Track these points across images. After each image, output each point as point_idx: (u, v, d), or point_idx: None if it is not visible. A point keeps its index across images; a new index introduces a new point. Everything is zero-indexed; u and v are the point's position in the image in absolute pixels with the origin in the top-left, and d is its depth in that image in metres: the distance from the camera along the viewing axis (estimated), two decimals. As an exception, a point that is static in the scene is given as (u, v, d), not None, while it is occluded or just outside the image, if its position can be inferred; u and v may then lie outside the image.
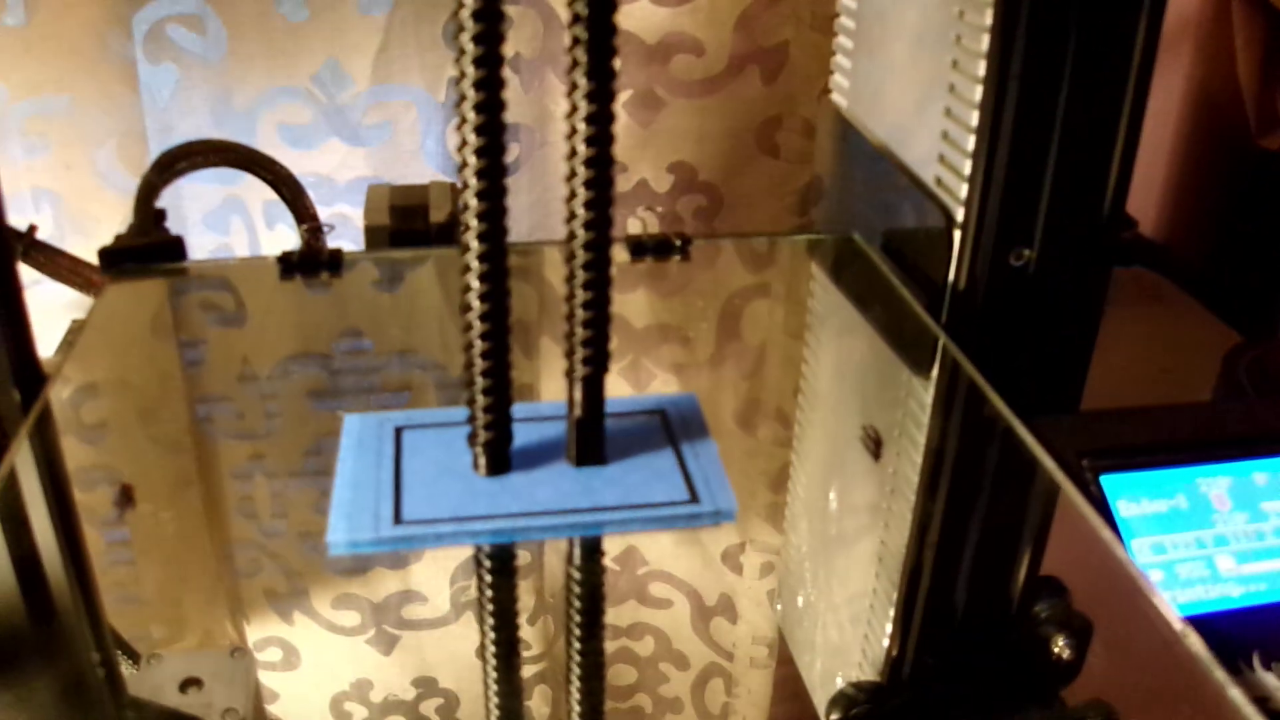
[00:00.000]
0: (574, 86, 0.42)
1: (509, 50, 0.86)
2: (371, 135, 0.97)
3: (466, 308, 0.44)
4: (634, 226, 1.03)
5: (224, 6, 0.92)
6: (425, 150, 0.98)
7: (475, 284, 0.43)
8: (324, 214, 0.82)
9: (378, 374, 0.68)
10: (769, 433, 0.68)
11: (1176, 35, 1.10)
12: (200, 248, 0.98)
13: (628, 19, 0.95)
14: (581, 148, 0.42)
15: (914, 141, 0.67)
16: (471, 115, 0.42)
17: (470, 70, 0.41)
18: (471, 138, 0.42)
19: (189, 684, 0.46)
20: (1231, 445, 0.62)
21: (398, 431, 0.50)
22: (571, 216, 0.44)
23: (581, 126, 0.42)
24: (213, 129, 0.96)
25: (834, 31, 0.80)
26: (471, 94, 0.41)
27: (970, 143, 0.59)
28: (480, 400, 0.45)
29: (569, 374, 0.46)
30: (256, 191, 0.96)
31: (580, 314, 0.44)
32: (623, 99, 0.98)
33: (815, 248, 0.81)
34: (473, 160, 0.42)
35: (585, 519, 0.45)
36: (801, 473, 0.64)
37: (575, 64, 0.41)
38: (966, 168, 0.60)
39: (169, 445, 0.63)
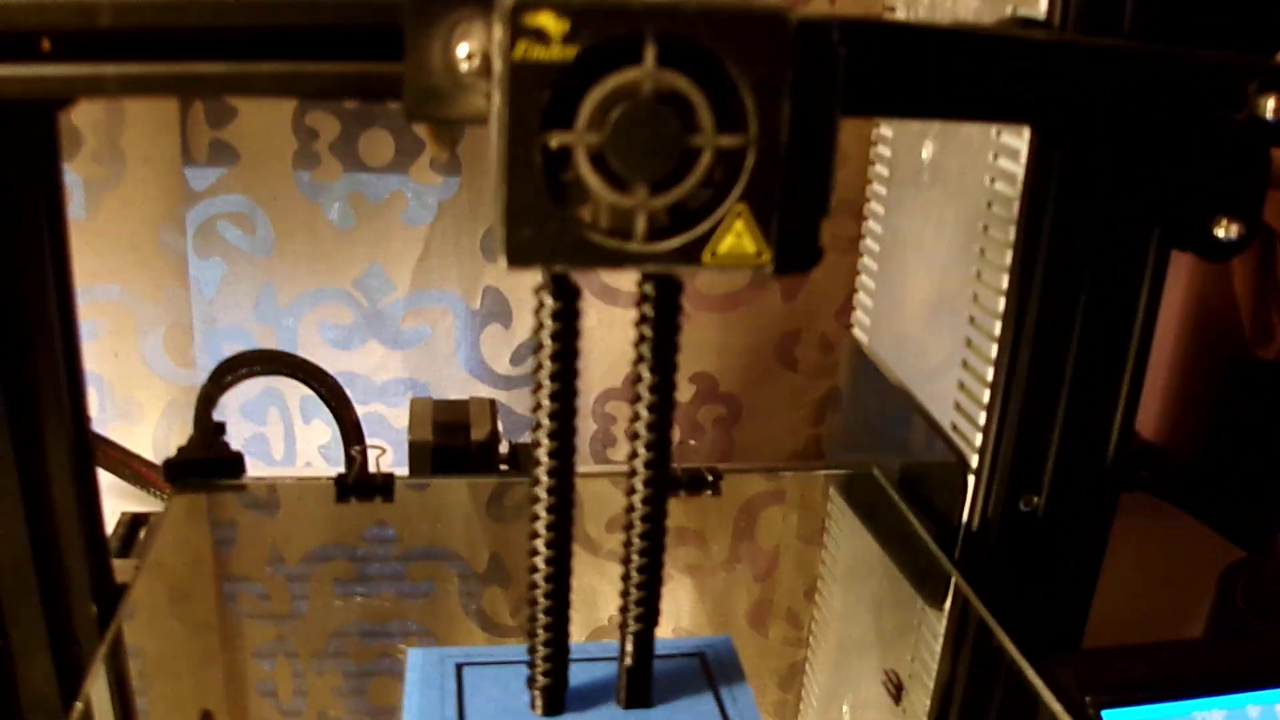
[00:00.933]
0: (640, 360, 0.46)
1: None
2: (409, 338, 1.01)
3: (531, 553, 0.48)
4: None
5: (273, 208, 0.96)
6: (460, 354, 1.01)
7: (541, 541, 0.47)
8: (361, 411, 0.85)
9: (403, 564, 0.71)
10: (778, 631, 0.70)
11: (1175, 256, 1.14)
12: (237, 436, 1.01)
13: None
14: (642, 427, 0.46)
15: (932, 386, 0.71)
16: (546, 410, 0.45)
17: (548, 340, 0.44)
18: (546, 423, 0.45)
19: None
20: (1225, 679, 0.65)
21: (459, 668, 0.53)
22: (631, 490, 0.47)
23: (643, 405, 0.46)
24: (256, 323, 0.99)
25: (856, 252, 0.85)
26: (547, 400, 0.45)
27: (985, 395, 0.64)
28: (540, 649, 0.49)
29: (622, 627, 0.49)
30: (294, 386, 1.00)
31: (635, 576, 0.48)
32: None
33: (835, 478, 0.85)
34: (546, 415, 0.45)
35: (635, 760, 0.49)
36: (811, 697, 0.67)
37: (642, 339, 0.45)
38: (981, 418, 0.64)
39: (196, 624, 0.65)
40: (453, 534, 0.78)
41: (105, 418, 1.00)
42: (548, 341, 0.44)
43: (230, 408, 1.02)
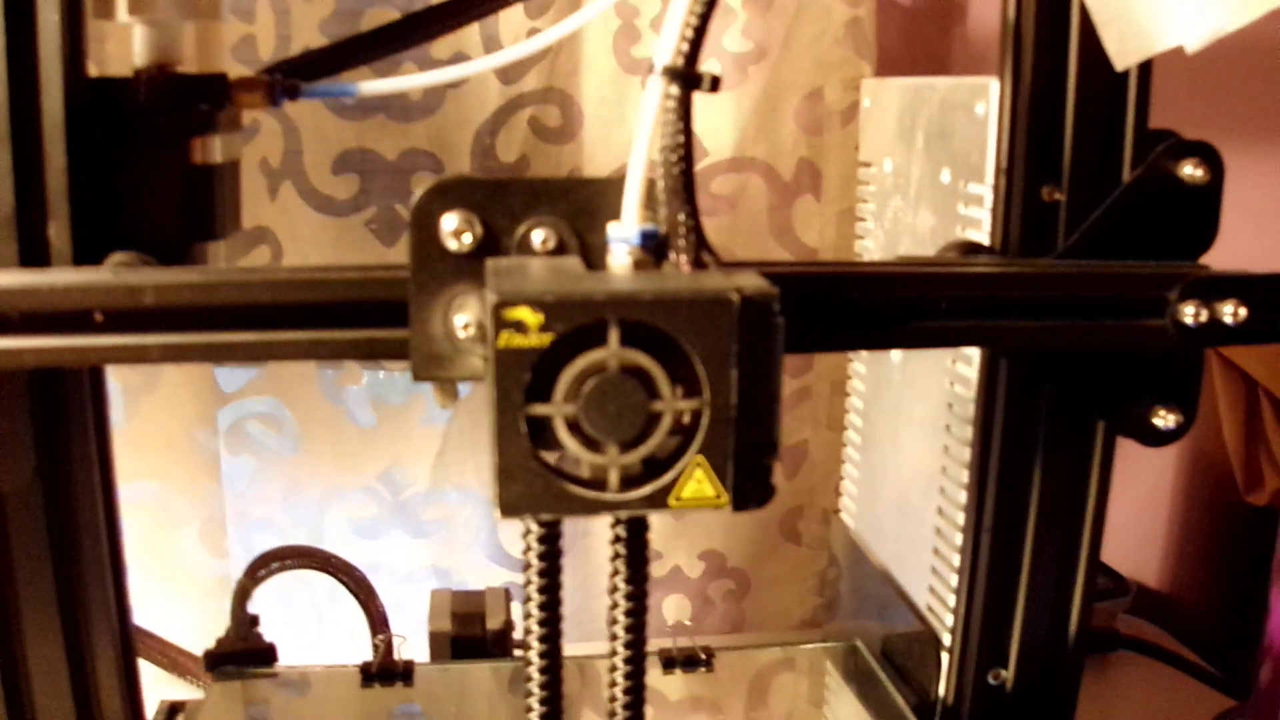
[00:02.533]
0: (613, 589, 0.51)
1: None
2: (431, 528, 1.06)
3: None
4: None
5: (299, 410, 1.03)
6: (479, 542, 1.07)
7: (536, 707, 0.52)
8: (387, 598, 0.90)
9: None
10: None
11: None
12: (268, 622, 1.05)
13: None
14: (620, 635, 0.52)
15: (909, 569, 0.76)
16: (535, 618, 0.50)
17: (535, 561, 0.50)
18: (536, 630, 0.51)
19: None
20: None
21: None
22: (612, 652, 0.52)
23: (618, 620, 0.52)
24: (285, 516, 1.05)
25: (844, 443, 0.90)
26: (535, 564, 0.50)
27: (954, 579, 0.69)
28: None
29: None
30: (323, 579, 1.05)
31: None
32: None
33: (827, 653, 0.90)
34: (536, 634, 0.50)
35: None
36: None
37: (615, 571, 0.51)
38: (951, 599, 0.69)
39: None
40: (477, 714, 0.82)
41: (143, 607, 1.05)
42: (535, 562, 0.49)
43: (262, 595, 1.06)
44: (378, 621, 0.85)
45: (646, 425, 0.43)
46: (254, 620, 0.83)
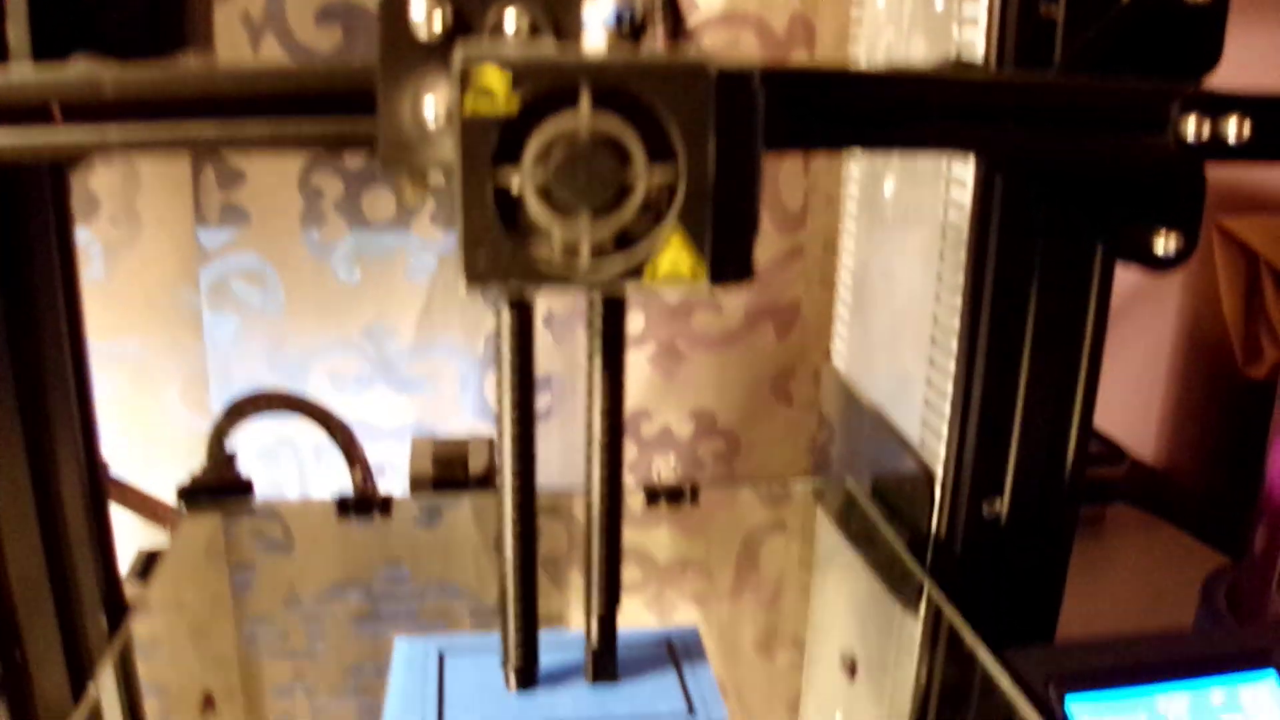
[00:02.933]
0: (592, 354, 0.50)
1: (543, 308, 0.94)
2: (416, 384, 1.04)
3: (500, 544, 0.52)
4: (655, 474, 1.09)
5: (282, 265, 1.01)
6: (464, 398, 1.05)
7: (509, 523, 0.51)
8: (369, 454, 0.89)
9: (416, 601, 0.73)
10: (783, 660, 0.73)
11: (1165, 278, 1.16)
12: (254, 477, 1.04)
13: (652, 279, 1.03)
14: (597, 418, 0.50)
15: (901, 404, 0.75)
16: (507, 371, 0.49)
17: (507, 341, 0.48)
18: (506, 387, 0.50)
19: None
20: (1191, 666, 0.68)
21: (440, 654, 0.57)
22: (589, 477, 0.51)
23: (597, 394, 0.50)
24: (269, 374, 1.03)
25: (837, 287, 0.89)
26: (507, 354, 0.49)
27: (946, 409, 0.67)
28: (512, 628, 0.53)
29: (587, 611, 0.53)
30: (308, 433, 1.03)
31: (596, 561, 0.52)
32: (647, 352, 1.05)
33: (817, 492, 0.88)
34: (508, 408, 0.50)
35: (599, 728, 0.53)
36: (808, 698, 0.69)
37: (591, 359, 0.49)
38: (944, 431, 0.68)
39: (218, 661, 0.68)
40: (456, 544, 0.81)
41: (126, 466, 1.03)
42: (507, 348, 0.48)
43: (247, 453, 1.04)
44: (358, 465, 0.84)
45: (620, 195, 0.41)
46: (231, 458, 0.81)
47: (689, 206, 0.42)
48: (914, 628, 0.69)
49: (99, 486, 0.65)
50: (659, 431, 1.09)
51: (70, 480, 0.63)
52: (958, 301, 0.65)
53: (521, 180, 0.41)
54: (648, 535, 0.83)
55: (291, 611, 0.72)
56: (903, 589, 0.72)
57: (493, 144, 0.40)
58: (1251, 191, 1.12)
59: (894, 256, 0.76)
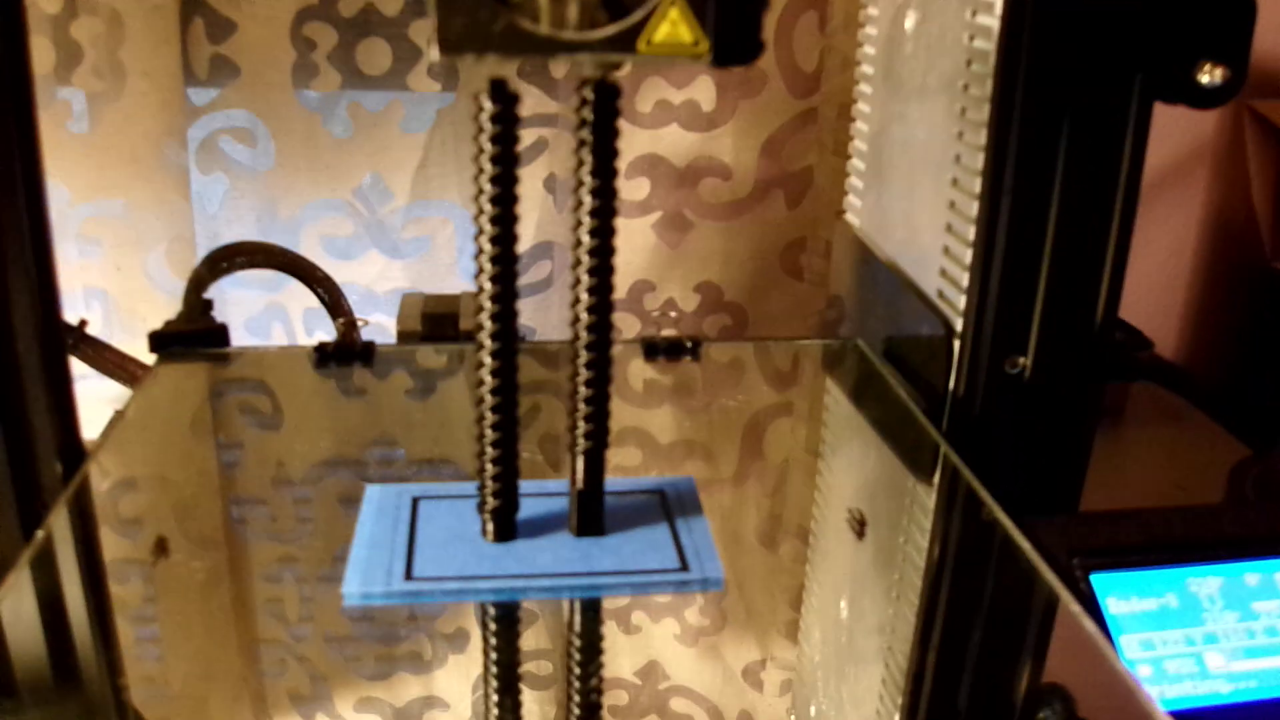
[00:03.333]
0: (580, 165, 0.45)
1: (544, 170, 0.90)
2: (410, 248, 1.01)
3: (479, 385, 0.47)
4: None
5: (273, 121, 0.97)
6: (461, 264, 1.01)
7: (487, 363, 0.47)
8: (362, 321, 0.85)
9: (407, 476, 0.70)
10: (790, 548, 0.69)
11: (1192, 162, 1.13)
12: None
13: (658, 143, 0.99)
14: (585, 238, 0.46)
15: (919, 256, 0.70)
16: (487, 215, 0.45)
17: (487, 145, 0.44)
18: (487, 228, 0.45)
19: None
20: (1223, 546, 0.64)
21: (414, 501, 0.53)
22: (575, 301, 0.47)
23: (585, 211, 0.45)
24: (258, 237, 0.98)
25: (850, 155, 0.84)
26: (488, 204, 0.44)
27: (968, 257, 0.62)
28: (489, 470, 0.48)
29: (571, 447, 0.49)
30: (298, 300, 1.00)
31: (582, 391, 0.48)
32: (651, 220, 1.01)
33: (827, 356, 0.84)
34: (487, 248, 0.45)
35: (583, 582, 0.48)
36: (815, 584, 0.66)
37: (582, 144, 0.45)
38: (965, 281, 0.63)
39: (201, 542, 0.65)
40: (439, 393, 0.78)
41: (109, 331, 1.00)
42: (486, 146, 0.43)
43: (235, 324, 1.02)
44: (339, 315, 0.80)
45: None
46: (207, 305, 0.77)
47: None
48: (928, 496, 0.65)
49: (55, 334, 0.61)
50: (663, 303, 1.06)
51: (25, 328, 0.59)
52: (983, 139, 0.61)
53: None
54: (647, 414, 0.78)
55: (278, 489, 0.68)
56: (917, 455, 0.67)
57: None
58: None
59: (914, 98, 0.71)
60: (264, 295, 1.01)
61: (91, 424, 0.66)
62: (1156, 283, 1.20)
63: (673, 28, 0.38)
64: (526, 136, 0.97)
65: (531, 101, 0.96)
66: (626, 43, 0.38)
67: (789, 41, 0.98)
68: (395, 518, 0.52)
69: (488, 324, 0.46)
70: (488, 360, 0.47)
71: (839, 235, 0.84)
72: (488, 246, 0.45)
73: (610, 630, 0.52)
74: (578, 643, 0.50)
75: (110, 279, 1.00)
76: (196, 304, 0.77)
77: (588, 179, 0.45)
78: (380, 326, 1.00)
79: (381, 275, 1.01)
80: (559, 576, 0.48)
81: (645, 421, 0.77)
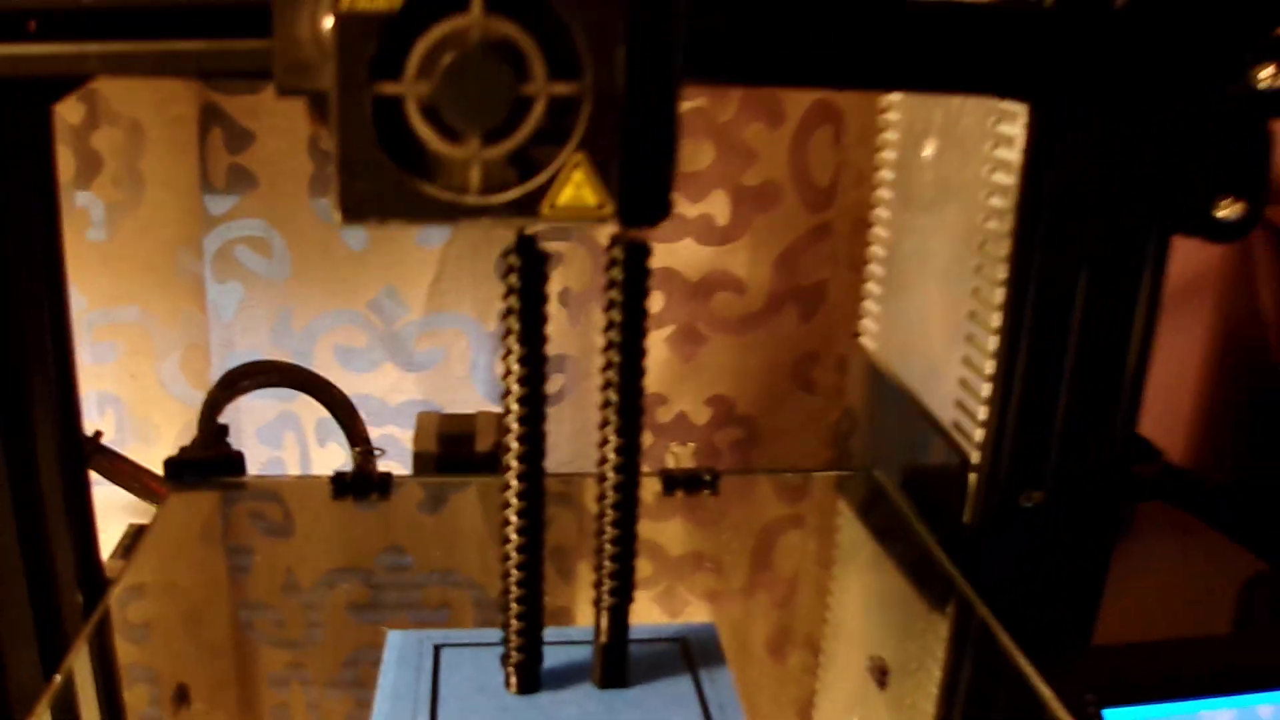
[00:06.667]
0: (610, 326, 0.45)
1: (559, 284, 0.91)
2: (424, 360, 1.01)
3: (504, 533, 0.47)
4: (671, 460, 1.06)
5: (289, 231, 0.97)
6: (475, 377, 1.02)
7: (513, 510, 0.47)
8: (374, 434, 0.86)
9: (417, 590, 0.70)
10: (798, 661, 0.69)
11: (1200, 275, 1.13)
12: (254, 460, 1.01)
13: (672, 257, 1.00)
14: (614, 396, 0.46)
15: (935, 386, 0.70)
16: (515, 347, 0.45)
17: (514, 303, 0.44)
18: (515, 368, 0.45)
19: None
20: (1234, 678, 0.64)
21: (436, 649, 0.53)
22: (603, 459, 0.47)
23: (614, 371, 0.46)
24: (272, 346, 1.00)
25: (866, 273, 0.85)
26: (515, 326, 0.45)
27: (985, 390, 0.63)
28: (514, 624, 0.48)
29: (596, 602, 0.49)
30: (310, 409, 1.00)
31: (608, 548, 0.48)
32: (665, 333, 1.02)
33: (840, 484, 0.84)
34: (515, 389, 0.45)
35: (607, 739, 0.48)
36: (825, 702, 0.66)
37: (612, 304, 0.45)
38: (982, 414, 0.63)
39: (211, 648, 0.65)
40: (457, 528, 0.78)
41: (121, 438, 1.01)
42: (515, 304, 0.43)
43: (247, 432, 1.02)
44: (360, 441, 0.80)
45: (515, 113, 0.37)
46: (223, 430, 0.77)
47: (594, 129, 0.38)
48: (941, 628, 0.65)
49: (77, 456, 0.62)
50: (674, 418, 1.06)
51: (47, 450, 0.60)
52: (1002, 274, 0.61)
53: (404, 93, 0.37)
54: (660, 527, 0.79)
55: (288, 597, 0.69)
56: (931, 587, 0.67)
57: (372, 48, 0.36)
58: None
59: (931, 227, 0.72)
60: (277, 403, 1.02)
61: (105, 532, 0.67)
62: (1165, 390, 1.20)
63: (576, 190, 0.38)
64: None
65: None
66: (530, 207, 0.38)
67: (804, 156, 0.99)
68: (418, 666, 0.52)
69: (514, 483, 0.46)
70: (514, 517, 0.47)
71: (854, 356, 0.85)
72: (515, 426, 0.46)
73: None
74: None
75: (124, 385, 1.01)
76: (212, 429, 0.77)
77: (617, 337, 0.45)
78: (392, 438, 1.00)
79: (395, 387, 1.01)
80: (584, 733, 0.48)
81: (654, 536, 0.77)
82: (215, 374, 0.99)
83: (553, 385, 1.02)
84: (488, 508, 0.77)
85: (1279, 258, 1.06)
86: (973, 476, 0.64)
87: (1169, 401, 1.21)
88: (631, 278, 0.44)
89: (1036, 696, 0.55)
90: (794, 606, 0.76)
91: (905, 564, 0.71)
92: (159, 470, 0.81)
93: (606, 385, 0.46)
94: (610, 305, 0.45)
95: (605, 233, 0.43)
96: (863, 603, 0.73)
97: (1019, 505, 0.63)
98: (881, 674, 0.62)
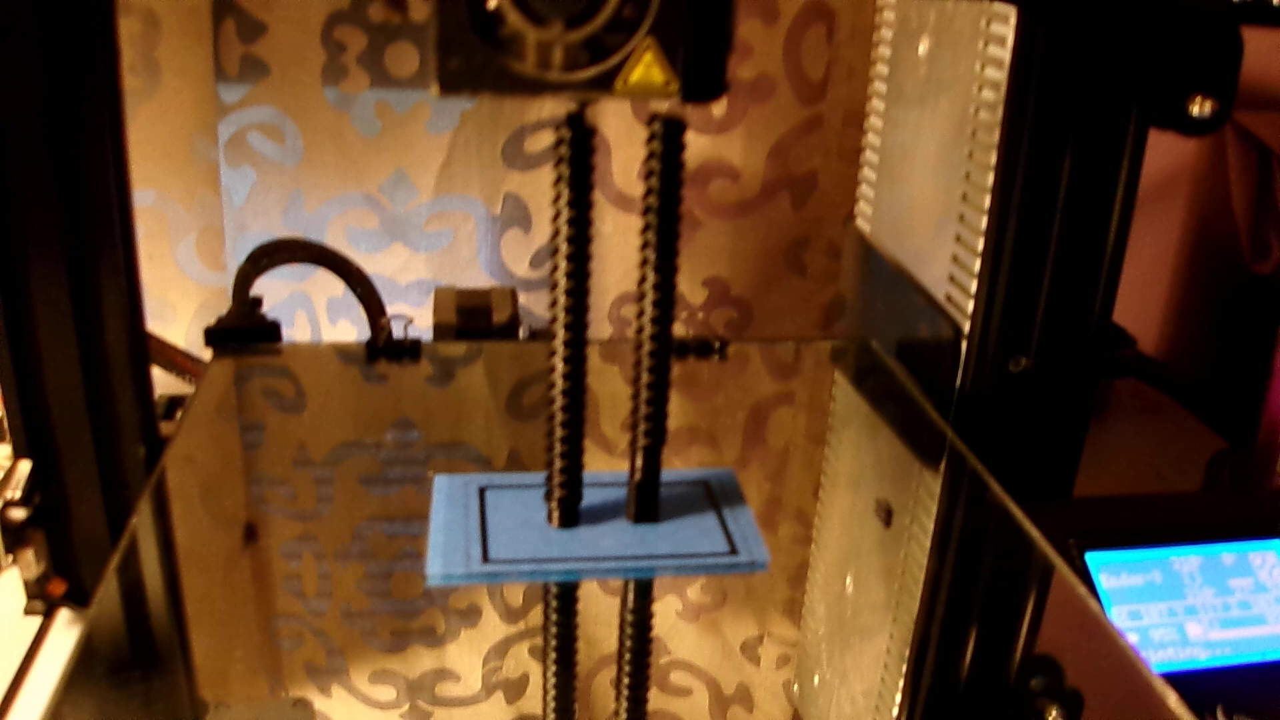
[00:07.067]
0: (649, 193, 0.50)
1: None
2: (432, 242, 1.04)
3: (550, 379, 0.52)
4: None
5: (301, 118, 1.00)
6: (481, 257, 1.05)
7: (559, 358, 0.52)
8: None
9: (424, 463, 0.73)
10: (789, 530, 0.73)
11: (1177, 170, 1.17)
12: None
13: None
14: (651, 255, 0.51)
15: (928, 263, 0.75)
16: (565, 210, 0.50)
17: (564, 172, 0.49)
18: (564, 229, 0.50)
19: (255, 733, 0.51)
20: (1203, 530, 0.70)
21: (481, 490, 0.58)
22: (640, 312, 0.52)
23: (652, 233, 0.51)
24: (284, 229, 1.02)
25: (859, 163, 0.89)
26: (565, 194, 0.49)
27: (976, 265, 0.67)
28: (557, 463, 0.53)
29: (632, 443, 0.54)
30: (322, 289, 1.04)
31: (645, 392, 0.53)
32: (663, 217, 1.05)
33: (836, 353, 0.89)
34: (565, 247, 0.50)
35: (643, 564, 0.53)
36: (820, 561, 0.70)
37: (650, 174, 0.50)
38: (973, 287, 0.68)
39: (224, 518, 0.68)
40: (474, 431, 0.80)
41: (141, 317, 1.04)
42: (565, 171, 0.48)
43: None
44: (376, 313, 0.84)
45: (593, 4, 0.42)
46: (257, 302, 0.81)
47: (663, 17, 0.42)
48: (934, 483, 0.70)
49: (138, 319, 0.66)
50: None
51: (112, 307, 0.64)
52: (992, 159, 0.65)
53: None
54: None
55: (300, 469, 0.72)
56: (925, 444, 0.72)
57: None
58: (1268, 87, 1.11)
59: (925, 119, 0.76)
60: (289, 284, 1.04)
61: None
62: (1140, 283, 1.23)
63: (646, 70, 0.43)
64: (545, 137, 1.01)
65: (550, 105, 1.00)
66: (605, 83, 0.43)
67: (797, 52, 1.02)
68: (465, 505, 0.56)
69: (561, 331, 0.51)
70: (560, 364, 0.51)
71: (848, 238, 0.89)
72: (564, 264, 0.50)
73: (612, 607, 0.56)
74: (630, 617, 0.55)
75: (142, 267, 1.02)
76: (246, 301, 0.80)
77: (655, 203, 0.49)
78: (402, 316, 1.03)
79: (404, 267, 1.05)
80: (622, 559, 0.53)
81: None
82: (229, 256, 1.02)
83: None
84: (493, 380, 0.82)
85: (1249, 160, 1.09)
86: (964, 345, 0.69)
87: (1143, 294, 1.24)
88: (669, 151, 0.49)
89: (1026, 539, 0.60)
90: (797, 464, 0.80)
91: (898, 425, 0.76)
92: (179, 342, 0.85)
93: (645, 245, 0.50)
94: (649, 175, 0.49)
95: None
96: (861, 458, 0.78)
97: (1008, 370, 0.68)
98: (887, 514, 0.67)
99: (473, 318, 0.81)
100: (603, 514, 0.56)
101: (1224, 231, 1.12)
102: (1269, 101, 1.08)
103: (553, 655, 0.54)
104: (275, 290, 1.04)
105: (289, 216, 1.03)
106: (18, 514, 0.62)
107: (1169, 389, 1.07)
